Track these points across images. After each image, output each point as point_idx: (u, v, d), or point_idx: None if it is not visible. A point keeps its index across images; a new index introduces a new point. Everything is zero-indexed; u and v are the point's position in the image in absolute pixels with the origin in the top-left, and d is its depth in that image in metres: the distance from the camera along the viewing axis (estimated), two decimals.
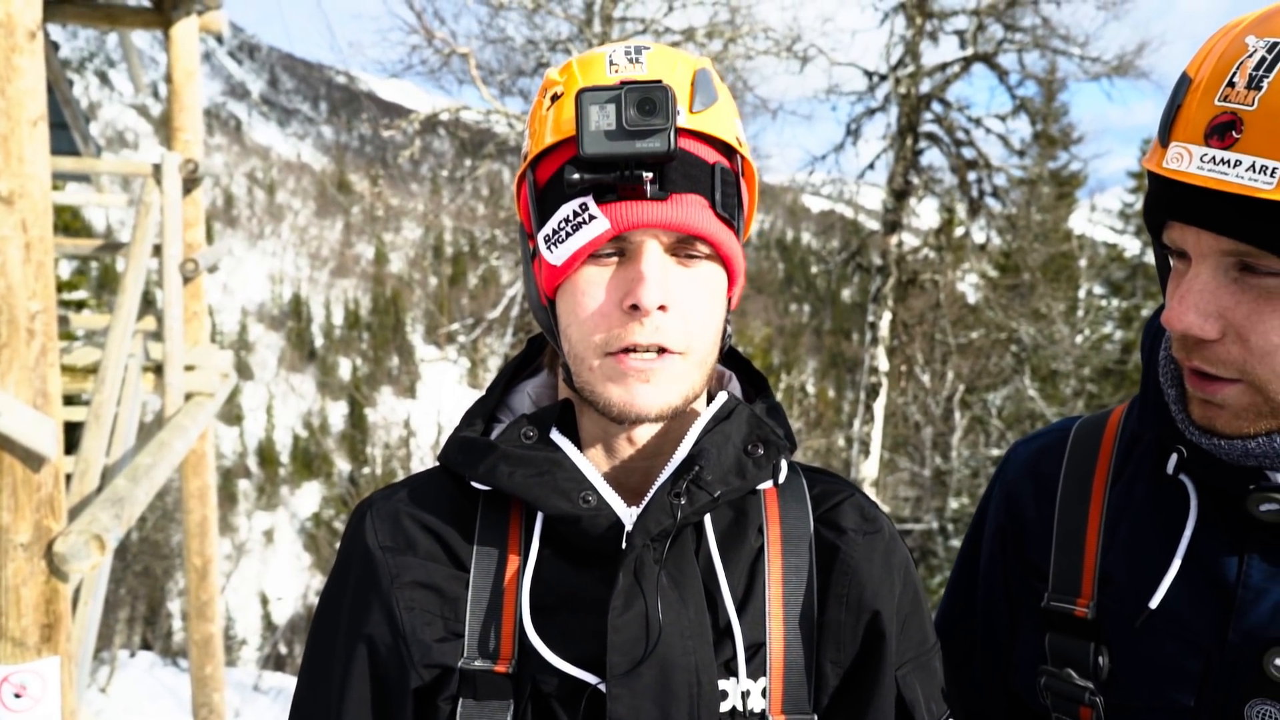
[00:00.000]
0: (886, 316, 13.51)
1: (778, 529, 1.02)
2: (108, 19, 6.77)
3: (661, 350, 0.93)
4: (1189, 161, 0.88)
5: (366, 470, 47.19)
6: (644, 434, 1.00)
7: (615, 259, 0.94)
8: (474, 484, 0.99)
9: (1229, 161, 0.85)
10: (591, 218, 0.92)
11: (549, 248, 0.94)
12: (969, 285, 18.87)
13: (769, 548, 1.01)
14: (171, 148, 6.36)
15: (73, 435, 4.66)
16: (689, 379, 0.96)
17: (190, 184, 6.34)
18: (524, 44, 11.99)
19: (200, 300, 6.51)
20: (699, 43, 11.63)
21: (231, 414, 72.11)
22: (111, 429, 4.65)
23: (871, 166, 14.02)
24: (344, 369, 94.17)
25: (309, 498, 67.06)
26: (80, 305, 18.70)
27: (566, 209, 0.93)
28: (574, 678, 0.92)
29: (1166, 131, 0.92)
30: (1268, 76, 0.85)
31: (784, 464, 1.02)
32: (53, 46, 7.18)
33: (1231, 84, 0.87)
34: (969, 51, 13.20)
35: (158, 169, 5.71)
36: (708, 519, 0.99)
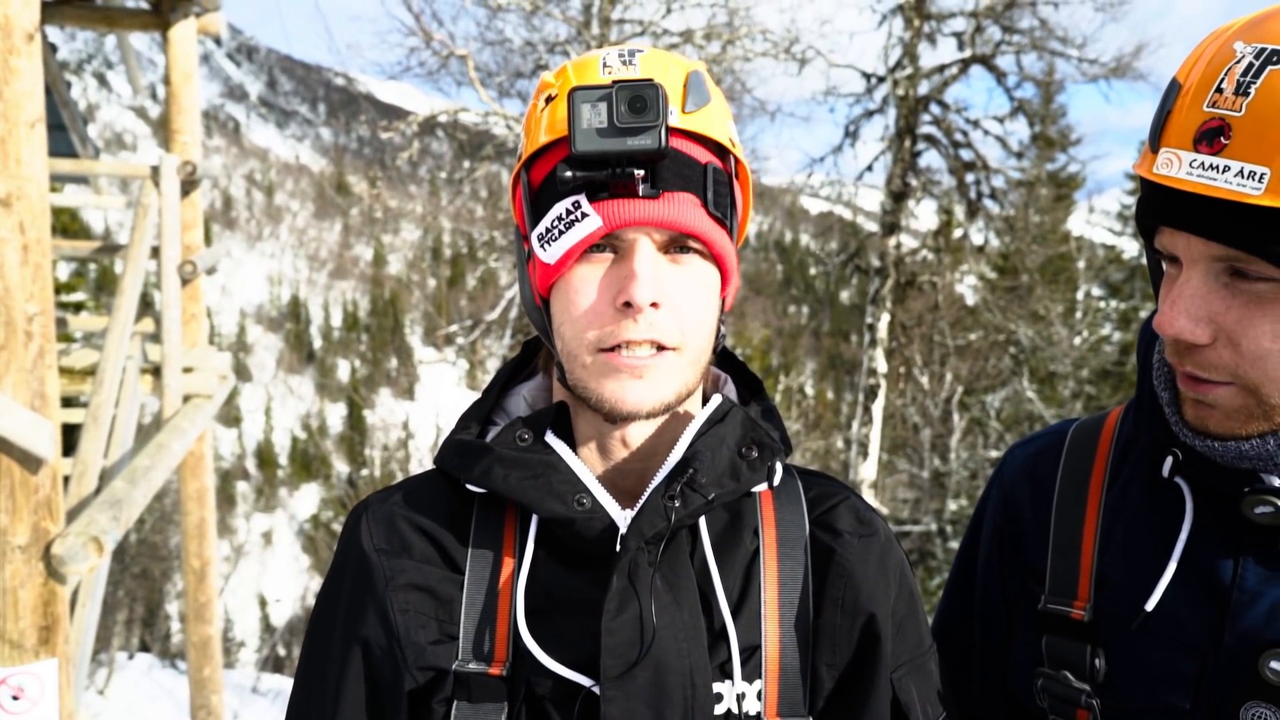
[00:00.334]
0: (885, 318, 13.51)
1: (773, 531, 1.02)
2: (106, 21, 6.77)
3: (658, 347, 0.93)
4: (1178, 167, 0.88)
5: (365, 472, 47.19)
6: (638, 436, 1.00)
7: (608, 257, 0.94)
8: (469, 486, 0.99)
9: (1218, 167, 0.85)
10: (584, 215, 0.92)
11: (542, 246, 0.95)
12: (967, 287, 18.87)
13: (764, 550, 1.01)
14: (170, 149, 6.36)
15: (71, 437, 4.65)
16: (682, 375, 0.96)
17: (188, 186, 6.34)
18: (522, 46, 11.99)
19: (198, 302, 6.51)
20: (697, 44, 11.63)
21: (230, 416, 72.11)
22: (109, 431, 4.65)
23: (870, 168, 14.03)
24: (342, 371, 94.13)
25: (307, 499, 66.97)
26: (78, 307, 18.69)
27: (559, 207, 0.93)
28: (568, 680, 0.92)
29: (1157, 137, 0.92)
30: (1255, 82, 0.85)
31: (779, 466, 1.02)
32: (51, 48, 7.19)
33: (1220, 90, 0.87)
34: (967, 53, 13.21)
35: (156, 171, 5.70)
36: (703, 521, 0.99)
